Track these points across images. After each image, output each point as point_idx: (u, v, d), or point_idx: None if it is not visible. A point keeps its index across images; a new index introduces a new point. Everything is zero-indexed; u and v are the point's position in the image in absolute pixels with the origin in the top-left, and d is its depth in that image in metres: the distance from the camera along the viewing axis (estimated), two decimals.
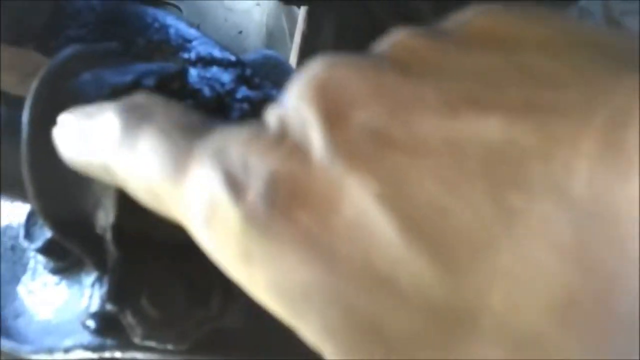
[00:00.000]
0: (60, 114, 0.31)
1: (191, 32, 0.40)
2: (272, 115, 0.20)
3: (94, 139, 0.24)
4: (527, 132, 0.17)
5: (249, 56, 0.43)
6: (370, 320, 0.18)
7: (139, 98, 0.24)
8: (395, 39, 0.20)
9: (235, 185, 0.19)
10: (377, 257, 0.18)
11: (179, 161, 0.21)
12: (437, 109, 0.18)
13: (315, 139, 0.19)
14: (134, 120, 0.23)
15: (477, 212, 0.17)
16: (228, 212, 0.19)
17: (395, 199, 0.17)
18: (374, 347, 0.18)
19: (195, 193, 0.20)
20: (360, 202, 0.18)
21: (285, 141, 0.19)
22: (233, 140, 0.20)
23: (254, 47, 0.66)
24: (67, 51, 0.34)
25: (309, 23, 0.62)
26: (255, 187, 0.19)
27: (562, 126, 0.17)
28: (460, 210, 0.17)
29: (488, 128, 0.17)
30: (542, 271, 0.16)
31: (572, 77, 0.17)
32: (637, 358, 0.16)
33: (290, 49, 0.64)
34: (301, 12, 0.62)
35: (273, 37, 0.68)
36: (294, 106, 0.19)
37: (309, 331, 0.19)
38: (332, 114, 0.19)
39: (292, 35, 0.71)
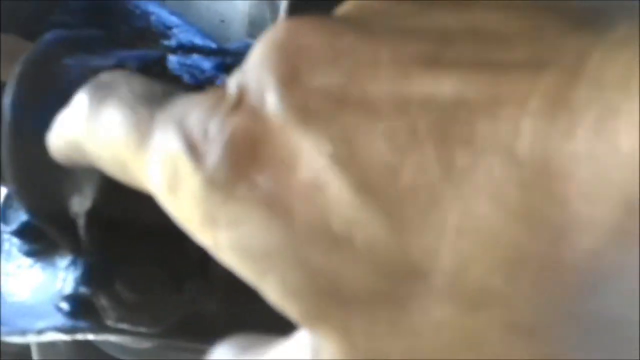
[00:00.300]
0: (42, 97, 0.31)
1: (173, 19, 0.40)
2: (232, 81, 0.20)
3: (65, 120, 0.24)
4: (476, 92, 0.17)
5: (231, 45, 0.44)
6: (328, 280, 0.18)
7: (104, 76, 0.24)
8: (357, 1, 0.20)
9: (195, 151, 0.19)
10: (332, 217, 0.18)
11: (141, 130, 0.21)
12: (391, 70, 0.18)
13: (271, 101, 0.19)
14: (99, 95, 0.23)
15: (425, 171, 0.17)
16: (190, 179, 0.19)
17: (349, 160, 0.18)
18: (333, 306, 0.18)
19: (157, 161, 0.20)
20: (315, 163, 0.18)
21: (243, 105, 0.19)
22: (194, 108, 0.20)
23: (236, 36, 0.66)
24: (50, 36, 0.34)
25: (291, 13, 0.63)
26: (214, 152, 0.19)
27: (510, 85, 0.17)
28: (410, 170, 0.17)
29: (439, 88, 0.17)
30: (490, 229, 0.17)
31: (522, 36, 0.18)
32: (584, 309, 0.17)
33: None
34: (283, 2, 0.63)
35: (255, 26, 0.68)
36: (253, 70, 0.19)
37: (271, 292, 0.19)
38: (290, 76, 0.19)
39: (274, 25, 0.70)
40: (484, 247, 0.17)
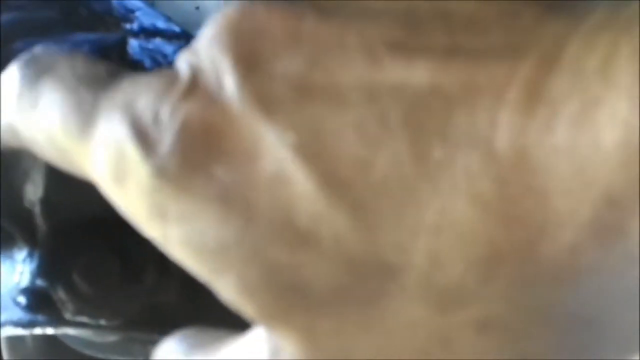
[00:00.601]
0: None
1: (135, 3, 0.39)
2: (183, 62, 0.19)
3: None
4: (451, 80, 0.16)
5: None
6: (290, 277, 0.17)
7: (40, 51, 0.22)
8: None
9: (145, 139, 0.18)
10: (297, 211, 0.17)
11: (84, 115, 0.20)
12: (359, 56, 0.17)
13: (230, 86, 0.18)
14: (35, 73, 0.21)
15: (399, 165, 0.16)
16: (138, 168, 0.18)
17: (315, 152, 0.17)
18: (296, 305, 0.17)
19: (103, 149, 0.19)
20: (278, 154, 0.17)
21: (198, 89, 0.18)
22: (143, 91, 0.19)
23: None
24: (2, 19, 0.33)
25: None
26: (166, 140, 0.18)
27: (487, 74, 0.16)
28: (382, 163, 0.16)
29: (411, 76, 0.17)
30: (466, 226, 0.16)
31: (496, 22, 0.17)
32: (561, 307, 0.16)
33: None
34: None
35: None
36: (207, 52, 0.18)
37: (227, 290, 0.18)
38: (248, 60, 0.18)
39: None
40: (460, 244, 0.16)
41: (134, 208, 0.19)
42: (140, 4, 0.39)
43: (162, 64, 0.36)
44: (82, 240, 0.32)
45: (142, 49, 0.36)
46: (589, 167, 0.15)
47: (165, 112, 0.18)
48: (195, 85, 0.18)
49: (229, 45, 0.18)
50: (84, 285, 0.31)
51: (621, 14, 0.15)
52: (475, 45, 0.17)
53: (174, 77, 0.19)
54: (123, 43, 0.35)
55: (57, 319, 0.32)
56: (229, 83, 0.18)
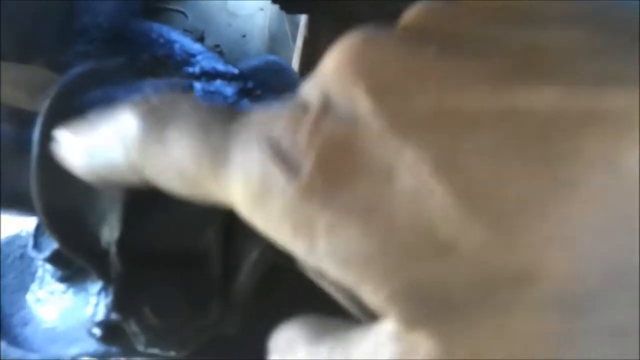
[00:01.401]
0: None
1: (195, 47, 0.41)
2: (311, 90, 0.20)
3: (110, 144, 0.24)
4: (581, 104, 0.18)
5: (251, 62, 0.44)
6: (431, 287, 0.18)
7: (153, 99, 0.24)
8: (419, 14, 0.21)
9: (288, 164, 0.20)
10: (436, 224, 0.18)
11: (216, 149, 0.21)
12: (489, 82, 0.18)
13: (366, 111, 0.19)
14: (158, 120, 0.23)
15: (533, 182, 0.18)
16: (284, 190, 0.20)
17: (452, 169, 0.18)
18: (437, 312, 0.18)
19: (241, 175, 0.21)
20: (417, 173, 0.18)
21: (331, 114, 0.20)
22: (275, 119, 0.21)
23: (256, 51, 0.67)
24: (77, 69, 0.35)
25: (310, 27, 0.64)
26: (309, 162, 0.19)
27: (615, 98, 0.17)
28: (517, 180, 0.18)
29: (539, 101, 0.18)
30: (600, 240, 0.17)
31: (612, 50, 0.18)
32: None
33: (293, 51, 0.65)
34: (303, 17, 0.64)
35: (276, 41, 0.69)
36: (335, 80, 0.20)
37: (371, 298, 0.19)
38: (379, 87, 0.19)
39: (294, 39, 0.72)
40: (594, 257, 0.17)
41: (277, 226, 0.20)
42: (200, 48, 0.41)
43: None
44: (153, 277, 0.33)
45: (205, 91, 0.38)
46: None
47: (303, 136, 0.20)
48: (327, 110, 0.20)
49: (359, 74, 0.20)
50: (154, 319, 0.33)
51: None
52: (598, 70, 0.18)
53: (304, 104, 0.20)
54: (191, 87, 0.37)
55: (130, 351, 0.34)
56: (364, 107, 0.19)
